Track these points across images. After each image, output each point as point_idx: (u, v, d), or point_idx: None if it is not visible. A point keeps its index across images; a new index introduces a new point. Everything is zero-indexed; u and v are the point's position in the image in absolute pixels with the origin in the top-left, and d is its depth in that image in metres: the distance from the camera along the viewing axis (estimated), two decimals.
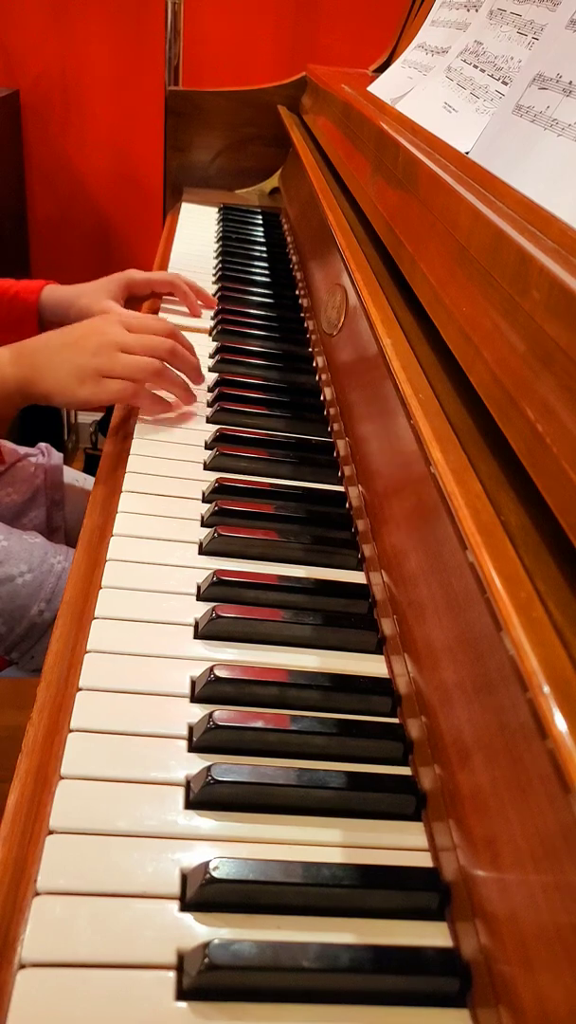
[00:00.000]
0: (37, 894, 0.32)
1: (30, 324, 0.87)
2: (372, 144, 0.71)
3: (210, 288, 0.96)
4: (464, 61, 0.70)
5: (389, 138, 0.65)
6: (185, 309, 0.88)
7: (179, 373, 0.67)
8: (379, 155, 0.68)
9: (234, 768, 0.37)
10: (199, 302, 0.89)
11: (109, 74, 1.76)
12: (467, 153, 0.58)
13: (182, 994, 0.30)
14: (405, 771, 0.40)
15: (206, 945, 0.30)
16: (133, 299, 0.90)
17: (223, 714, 0.40)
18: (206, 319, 0.89)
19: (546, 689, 0.26)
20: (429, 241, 0.52)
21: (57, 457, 0.87)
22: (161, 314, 0.86)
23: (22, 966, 0.30)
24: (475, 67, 0.67)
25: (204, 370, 0.74)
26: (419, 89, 0.80)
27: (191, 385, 0.68)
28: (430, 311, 0.49)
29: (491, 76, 0.63)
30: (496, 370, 0.38)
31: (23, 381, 0.64)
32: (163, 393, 0.66)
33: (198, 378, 0.69)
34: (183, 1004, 0.30)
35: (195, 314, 0.89)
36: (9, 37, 1.73)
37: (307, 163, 0.92)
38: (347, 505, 0.60)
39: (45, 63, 1.75)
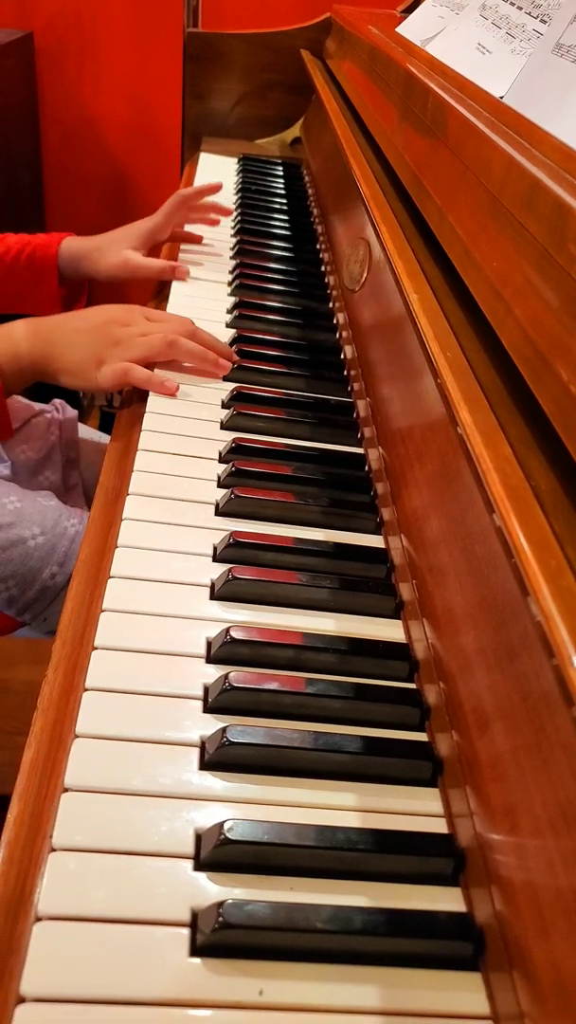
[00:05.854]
0: (53, 850, 0.32)
1: (50, 279, 0.86)
2: (400, 89, 0.67)
3: (228, 242, 0.94)
4: None
5: (418, 82, 0.62)
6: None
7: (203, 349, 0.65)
8: (407, 101, 0.64)
9: (249, 730, 0.37)
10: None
11: (126, 15, 1.70)
12: (501, 97, 0.55)
13: (195, 950, 0.30)
14: (421, 737, 0.40)
15: (220, 904, 0.30)
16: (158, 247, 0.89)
17: (239, 675, 0.39)
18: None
19: None
20: (459, 192, 0.49)
21: (72, 414, 0.86)
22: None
23: (38, 919, 0.30)
24: (511, 4, 0.63)
25: (222, 326, 0.72)
26: (451, 29, 0.76)
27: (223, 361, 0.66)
28: (459, 266, 0.47)
29: (528, 14, 0.60)
30: (528, 328, 0.36)
31: (38, 358, 0.64)
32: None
33: (229, 357, 0.67)
34: (196, 960, 0.30)
35: (213, 223, 0.96)
36: None
37: (331, 111, 0.88)
38: (367, 467, 0.59)
39: (60, 3, 1.69)
